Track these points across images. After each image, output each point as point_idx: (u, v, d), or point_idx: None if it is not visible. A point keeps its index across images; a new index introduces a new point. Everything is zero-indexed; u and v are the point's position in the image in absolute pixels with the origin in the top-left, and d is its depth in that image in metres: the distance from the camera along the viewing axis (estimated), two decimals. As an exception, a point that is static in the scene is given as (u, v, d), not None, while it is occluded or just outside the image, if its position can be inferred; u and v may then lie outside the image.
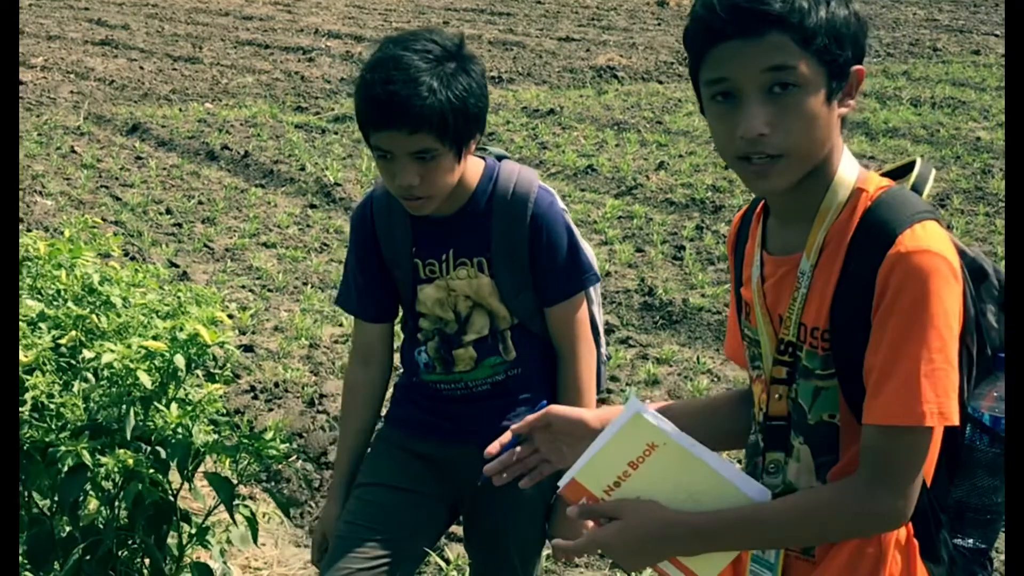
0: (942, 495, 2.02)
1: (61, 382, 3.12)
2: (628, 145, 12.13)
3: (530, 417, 2.30)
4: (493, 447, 2.30)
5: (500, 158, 3.03)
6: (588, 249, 3.03)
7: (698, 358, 6.57)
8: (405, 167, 2.73)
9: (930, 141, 11.73)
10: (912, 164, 2.10)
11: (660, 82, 16.20)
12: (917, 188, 2.04)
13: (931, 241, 1.89)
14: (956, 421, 1.89)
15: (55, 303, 3.40)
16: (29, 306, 3.35)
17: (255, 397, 6.14)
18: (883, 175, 2.09)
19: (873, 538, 2.02)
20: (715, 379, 6.28)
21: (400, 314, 3.15)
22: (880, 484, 1.91)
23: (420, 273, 2.98)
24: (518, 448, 2.31)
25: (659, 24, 22.78)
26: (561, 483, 2.10)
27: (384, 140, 2.73)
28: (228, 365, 3.40)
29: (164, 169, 11.36)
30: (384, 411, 3.26)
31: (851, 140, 11.76)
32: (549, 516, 3.11)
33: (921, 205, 1.97)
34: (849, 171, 2.02)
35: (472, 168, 2.92)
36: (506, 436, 2.31)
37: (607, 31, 21.62)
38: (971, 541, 2.02)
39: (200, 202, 10.16)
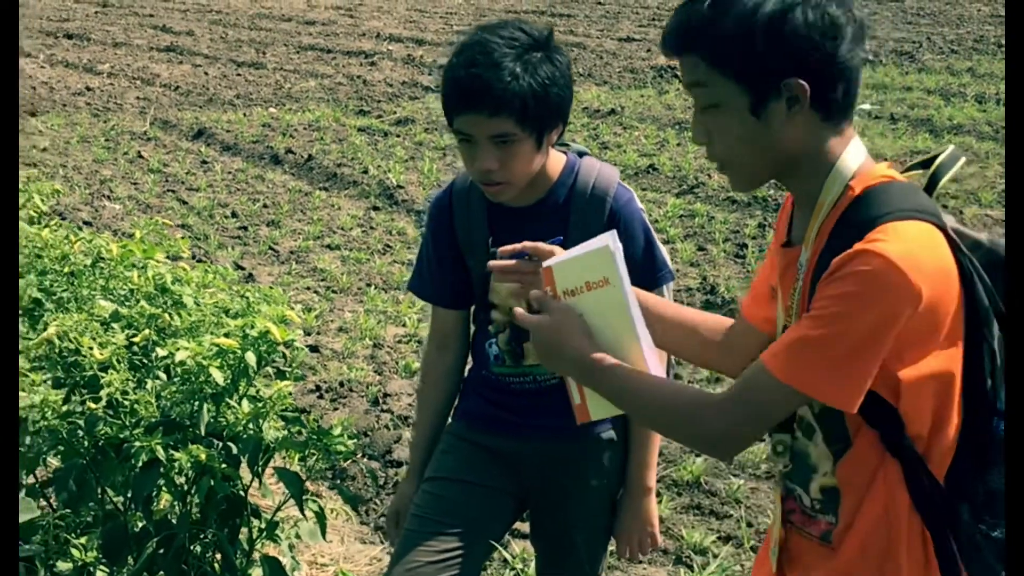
0: (966, 487, 2.03)
1: (135, 379, 3.18)
2: (689, 144, 12.11)
3: (542, 244, 2.42)
4: (505, 249, 2.44)
5: (582, 154, 3.04)
6: (661, 248, 3.05)
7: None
8: (485, 151, 2.76)
9: (995, 138, 11.61)
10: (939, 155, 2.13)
11: (721, 81, 16.11)
12: (936, 179, 2.06)
13: (895, 242, 1.91)
14: (838, 405, 1.96)
15: (128, 302, 3.47)
16: (102, 306, 3.41)
17: (320, 396, 6.21)
18: (910, 167, 2.12)
19: (883, 525, 2.05)
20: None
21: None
22: (727, 407, 2.03)
23: None
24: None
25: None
26: (542, 266, 2.33)
27: (465, 123, 2.76)
28: (296, 363, 3.44)
29: (229, 173, 11.48)
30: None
31: (916, 137, 11.67)
32: (615, 512, 3.13)
33: (910, 203, 1.99)
34: (849, 163, 2.05)
35: (553, 161, 2.95)
36: (518, 246, 2.43)
37: (668, 31, 21.51)
38: (998, 532, 2.03)
39: (265, 205, 10.26)
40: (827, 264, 1.96)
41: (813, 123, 2.03)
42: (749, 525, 4.83)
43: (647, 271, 2.97)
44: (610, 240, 2.22)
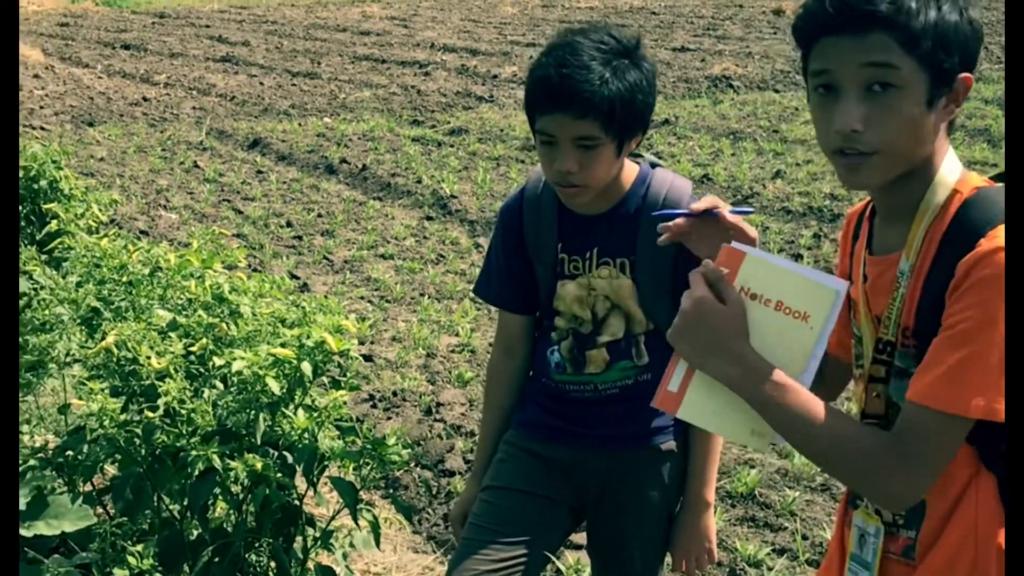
0: None
1: (192, 388, 3.20)
2: (744, 154, 12.06)
3: (731, 216, 2.32)
4: (698, 206, 2.33)
5: (654, 165, 3.04)
6: None
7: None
8: (566, 152, 2.75)
9: (1054, 147, 11.46)
10: None
11: (776, 91, 16.08)
12: None
13: None
14: (1001, 417, 1.86)
15: (185, 312, 3.49)
16: (160, 315, 3.44)
17: (374, 406, 6.22)
18: (993, 177, 2.09)
19: (971, 540, 2.01)
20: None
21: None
22: (897, 459, 1.92)
23: (565, 269, 2.99)
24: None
25: (775, 33, 22.60)
26: (731, 245, 2.13)
27: (550, 123, 2.75)
28: (351, 373, 3.45)
29: (284, 183, 11.55)
30: None
31: (973, 147, 11.56)
32: (672, 526, 3.11)
33: None
34: (950, 173, 2.03)
35: (627, 170, 2.95)
36: (701, 204, 2.33)
37: (722, 40, 21.51)
38: None
39: (319, 215, 10.31)
40: (944, 272, 1.93)
41: (944, 126, 2.01)
42: (804, 538, 4.79)
43: None
44: (840, 287, 2.03)
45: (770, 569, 4.59)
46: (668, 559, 3.17)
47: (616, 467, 3.06)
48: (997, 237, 1.89)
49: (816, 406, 1.98)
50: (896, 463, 1.92)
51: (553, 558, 3.14)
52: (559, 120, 2.74)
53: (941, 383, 1.89)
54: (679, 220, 2.33)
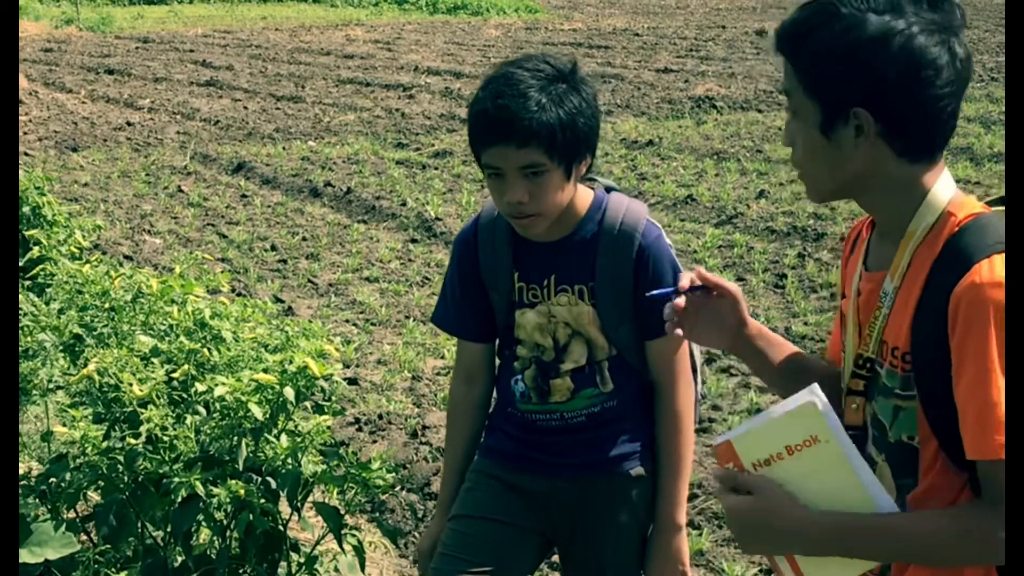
0: None
1: (174, 415, 3.20)
2: (728, 174, 12.09)
3: (711, 276, 2.31)
4: (684, 284, 2.31)
5: (609, 190, 3.03)
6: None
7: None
8: (514, 183, 2.75)
9: (1037, 165, 11.51)
10: None
11: (759, 111, 16.13)
12: None
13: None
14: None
15: (167, 338, 3.49)
16: (142, 341, 3.44)
17: (359, 429, 6.21)
18: (992, 202, 2.09)
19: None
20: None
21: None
22: (997, 515, 1.90)
23: (524, 297, 2.98)
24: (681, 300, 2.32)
25: (757, 53, 22.69)
26: (716, 441, 2.12)
27: (494, 156, 2.75)
28: (335, 397, 3.45)
29: (269, 207, 11.54)
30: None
31: (956, 165, 11.61)
32: (645, 549, 3.10)
33: None
34: (941, 195, 2.03)
35: (581, 196, 2.93)
36: (695, 278, 2.31)
37: (705, 61, 21.59)
38: None
39: (304, 238, 10.31)
40: (937, 298, 1.94)
41: (885, 155, 2.02)
42: (791, 558, 4.78)
43: None
44: (815, 397, 2.00)
45: (757, 590, 4.58)
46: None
47: (586, 494, 3.05)
48: (995, 270, 1.89)
49: (898, 522, 1.98)
50: (997, 517, 1.89)
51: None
52: (502, 151, 2.74)
53: (994, 428, 1.87)
54: (678, 302, 2.31)
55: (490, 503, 3.08)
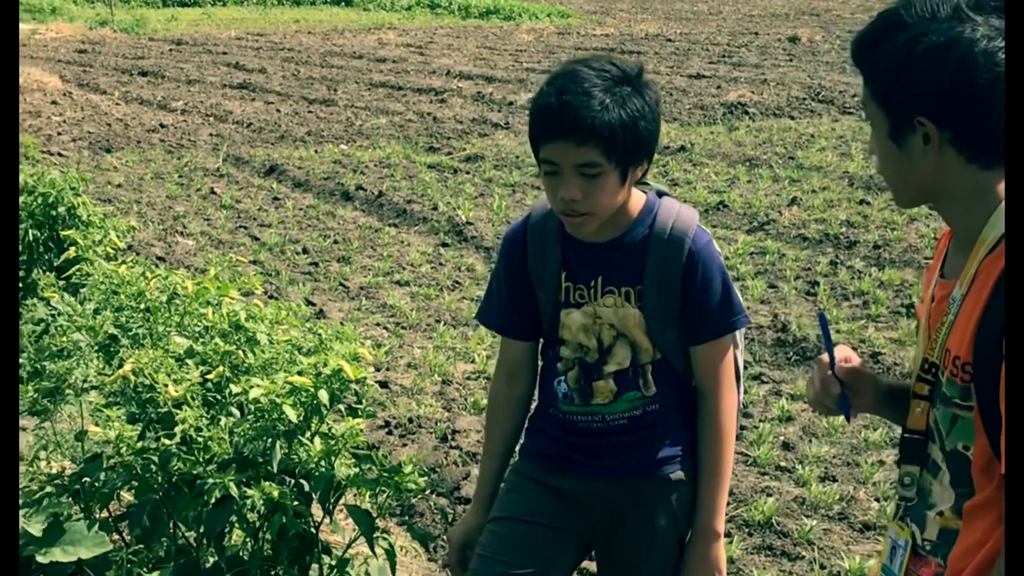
0: None
1: (208, 416, 3.21)
2: (760, 181, 12.06)
3: (856, 361, 2.36)
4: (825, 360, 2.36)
5: (661, 194, 3.03)
6: (737, 292, 3.02)
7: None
8: (569, 180, 2.75)
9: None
10: None
11: (792, 117, 16.09)
12: None
13: None
14: None
15: (202, 339, 3.50)
16: (177, 343, 3.45)
17: (389, 432, 6.22)
18: None
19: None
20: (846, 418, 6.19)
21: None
22: None
23: (570, 297, 2.98)
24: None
25: (790, 60, 22.63)
26: None
27: (552, 151, 2.76)
28: (367, 400, 3.45)
29: (300, 209, 11.58)
30: (519, 443, 3.28)
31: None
32: (681, 556, 3.09)
33: None
34: None
35: (634, 199, 2.93)
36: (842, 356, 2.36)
37: (738, 68, 21.54)
38: None
39: (335, 241, 10.33)
40: (998, 305, 1.93)
41: (956, 162, 2.03)
42: (822, 567, 4.77)
43: (722, 317, 2.95)
44: None
45: (787, 598, 4.56)
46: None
47: (625, 497, 3.04)
48: None
49: None
50: None
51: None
52: (561, 148, 2.74)
53: None
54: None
55: (529, 505, 3.08)
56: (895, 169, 2.10)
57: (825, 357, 2.37)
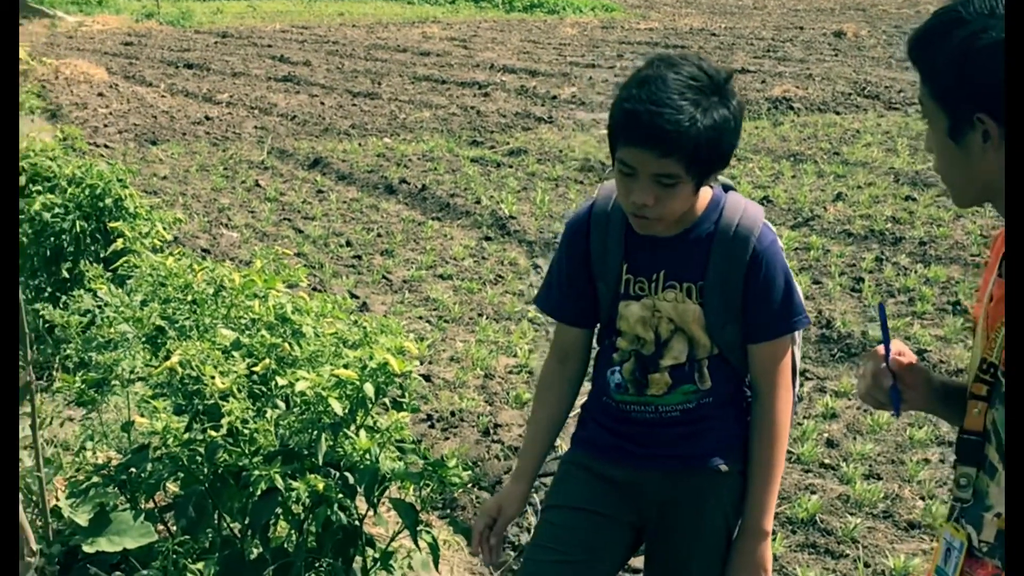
0: None
1: (254, 408, 3.22)
2: (805, 176, 11.99)
3: (910, 356, 2.35)
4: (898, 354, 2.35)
5: (727, 188, 3.00)
6: (799, 292, 2.98)
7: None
8: (644, 187, 2.73)
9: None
10: None
11: (837, 113, 15.99)
12: None
13: None
14: None
15: (248, 331, 3.51)
16: (224, 335, 3.47)
17: (432, 426, 6.23)
18: None
19: None
20: (895, 413, 6.15)
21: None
22: None
23: (630, 289, 2.96)
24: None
25: (836, 55, 22.49)
26: None
27: (631, 156, 2.72)
28: (410, 394, 3.45)
29: (344, 202, 11.61)
30: (571, 431, 3.26)
31: None
32: (728, 550, 3.08)
33: None
34: None
35: (700, 195, 2.89)
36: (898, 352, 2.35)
37: (783, 62, 21.43)
38: None
39: (379, 235, 10.35)
40: None
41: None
42: (866, 565, 4.74)
43: (784, 317, 2.92)
44: None
45: (831, 597, 4.54)
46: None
47: (675, 488, 3.03)
48: None
49: None
50: None
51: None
52: (642, 156, 2.70)
53: None
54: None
55: (581, 494, 3.07)
56: (954, 167, 2.08)
57: (880, 348, 2.34)
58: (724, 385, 3.01)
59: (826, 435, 5.97)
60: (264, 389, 3.30)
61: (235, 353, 3.33)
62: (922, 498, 5.27)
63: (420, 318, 8.09)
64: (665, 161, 2.68)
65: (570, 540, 3.03)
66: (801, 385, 6.39)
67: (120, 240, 5.74)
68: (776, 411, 2.97)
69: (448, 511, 5.30)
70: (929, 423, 6.00)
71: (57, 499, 4.24)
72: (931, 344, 7.12)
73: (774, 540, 4.84)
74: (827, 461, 5.70)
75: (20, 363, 5.99)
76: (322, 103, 17.81)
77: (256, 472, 3.12)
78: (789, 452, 5.73)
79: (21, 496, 3.29)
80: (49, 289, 6.87)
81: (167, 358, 3.35)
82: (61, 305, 4.72)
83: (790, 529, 5.06)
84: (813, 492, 5.34)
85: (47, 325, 5.82)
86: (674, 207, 2.78)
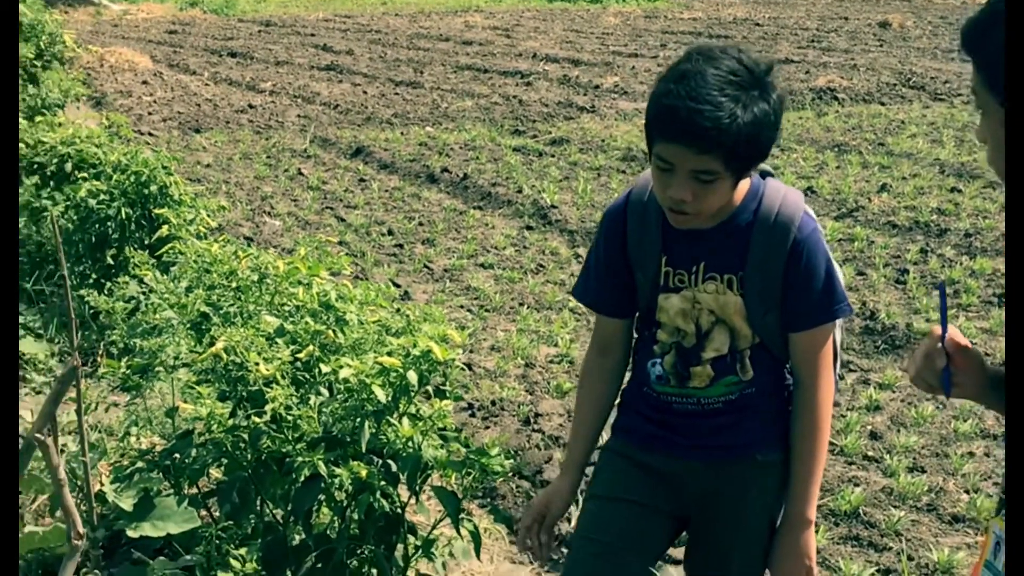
0: None
1: (298, 395, 3.22)
2: (849, 167, 11.92)
3: (961, 339, 2.32)
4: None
5: (765, 175, 2.96)
6: (841, 279, 2.95)
7: (921, 385, 6.37)
8: (682, 183, 2.69)
9: None
10: None
11: (882, 103, 15.88)
12: None
13: None
14: None
15: (292, 319, 3.52)
16: (268, 321, 3.48)
17: (472, 415, 6.23)
18: None
19: None
20: (940, 406, 6.12)
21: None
22: None
23: (669, 282, 2.94)
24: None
25: (881, 45, 22.33)
26: None
27: (669, 152, 2.68)
28: (452, 382, 3.45)
29: (386, 191, 11.62)
30: (611, 420, 3.25)
31: None
32: (771, 539, 3.06)
33: None
34: None
35: (738, 184, 2.86)
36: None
37: (827, 53, 21.30)
38: None
39: (420, 223, 10.36)
40: None
41: None
42: (910, 559, 4.71)
43: (825, 305, 2.89)
44: None
45: (874, 590, 4.51)
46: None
47: (717, 478, 3.02)
48: None
49: None
50: None
51: (655, 572, 3.10)
52: (680, 152, 2.66)
53: None
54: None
55: (621, 483, 3.07)
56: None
57: (937, 329, 2.32)
58: (766, 375, 2.99)
59: (870, 427, 5.94)
60: (308, 376, 3.30)
61: (279, 340, 3.34)
62: (967, 491, 5.23)
63: (461, 307, 8.10)
64: (704, 158, 2.64)
65: (610, 531, 3.02)
66: (842, 378, 6.36)
67: (165, 227, 5.77)
68: (818, 399, 2.95)
69: (488, 500, 5.30)
70: (974, 416, 5.95)
71: (102, 484, 4.27)
72: (977, 337, 7.06)
73: (817, 532, 4.81)
74: (871, 453, 5.66)
75: (67, 348, 6.03)
76: (365, 92, 17.84)
77: (299, 459, 3.13)
78: (832, 444, 5.69)
79: (67, 480, 3.32)
80: (94, 276, 6.92)
81: (211, 344, 3.35)
82: (106, 291, 4.75)
83: (833, 522, 5.03)
84: (856, 485, 5.31)
85: (92, 311, 5.86)
86: (712, 202, 2.75)
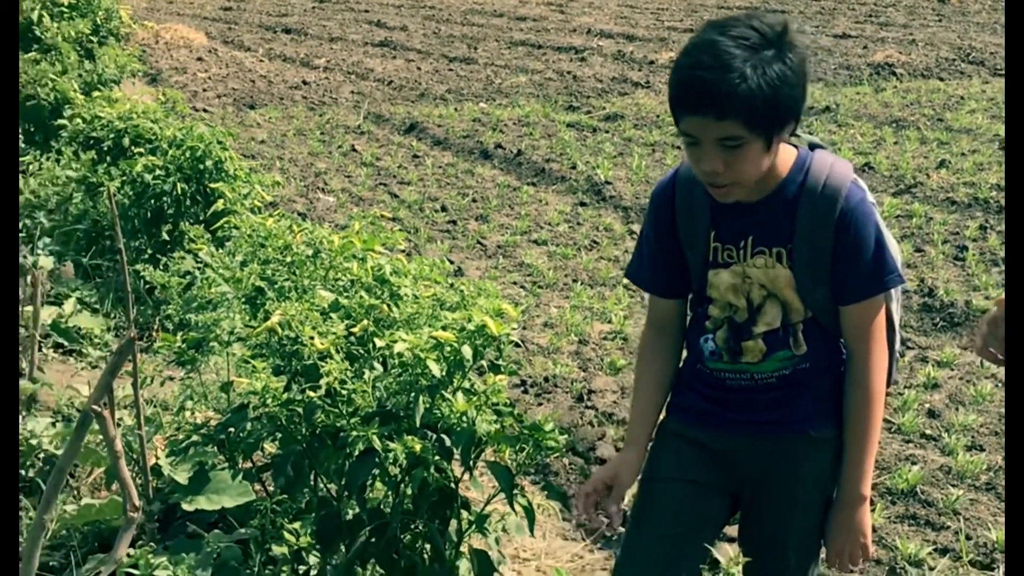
0: None
1: (353, 369, 3.22)
2: (907, 143, 11.78)
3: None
4: None
5: (813, 147, 2.93)
6: (894, 245, 2.90)
7: (981, 362, 6.32)
8: (710, 153, 2.67)
9: None
10: None
11: (941, 79, 15.68)
12: None
13: None
14: None
15: (346, 294, 3.51)
16: (322, 296, 3.47)
17: (525, 391, 6.23)
18: None
19: None
20: (999, 384, 6.04)
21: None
22: None
23: (719, 257, 2.91)
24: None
25: (940, 20, 22.04)
26: None
27: (692, 125, 2.67)
28: (506, 358, 3.43)
29: (440, 167, 11.62)
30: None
31: None
32: (826, 515, 3.03)
33: None
34: None
35: (783, 156, 2.84)
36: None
37: (885, 27, 21.05)
38: None
39: (474, 200, 10.36)
40: None
41: None
42: (968, 538, 4.65)
43: (875, 276, 2.84)
44: None
45: (931, 569, 4.47)
46: (823, 553, 3.08)
47: (771, 454, 2.99)
48: None
49: None
50: None
51: (712, 550, 3.08)
52: (700, 122, 2.64)
53: None
54: None
55: (676, 463, 3.05)
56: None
57: (1003, 297, 2.27)
58: (820, 349, 2.95)
59: (928, 405, 5.87)
60: (362, 351, 3.29)
61: (333, 315, 3.33)
62: None
63: (514, 283, 8.09)
64: (724, 123, 2.61)
65: (664, 513, 3.01)
66: (903, 355, 6.28)
67: (220, 201, 5.79)
68: (871, 373, 2.90)
69: (541, 476, 5.29)
70: (1034, 395, 5.86)
71: (157, 458, 4.30)
72: (1037, 315, 6.96)
73: (873, 511, 4.77)
74: (928, 432, 5.60)
75: (122, 323, 6.07)
76: (418, 68, 17.84)
77: (354, 433, 3.12)
78: (889, 422, 5.64)
79: (123, 453, 3.33)
80: (150, 250, 6.96)
81: (266, 319, 3.35)
82: (162, 266, 4.76)
83: (890, 500, 4.98)
84: (914, 463, 5.25)
85: (148, 286, 5.89)
86: (746, 169, 2.71)
